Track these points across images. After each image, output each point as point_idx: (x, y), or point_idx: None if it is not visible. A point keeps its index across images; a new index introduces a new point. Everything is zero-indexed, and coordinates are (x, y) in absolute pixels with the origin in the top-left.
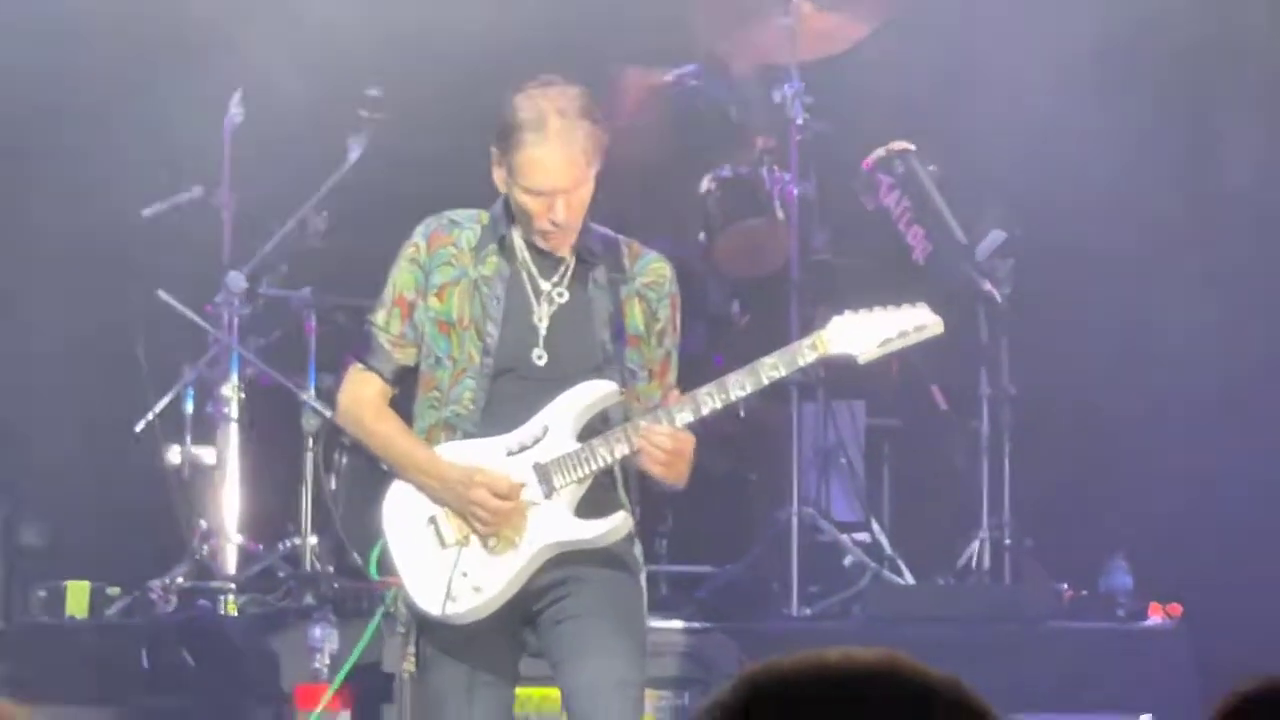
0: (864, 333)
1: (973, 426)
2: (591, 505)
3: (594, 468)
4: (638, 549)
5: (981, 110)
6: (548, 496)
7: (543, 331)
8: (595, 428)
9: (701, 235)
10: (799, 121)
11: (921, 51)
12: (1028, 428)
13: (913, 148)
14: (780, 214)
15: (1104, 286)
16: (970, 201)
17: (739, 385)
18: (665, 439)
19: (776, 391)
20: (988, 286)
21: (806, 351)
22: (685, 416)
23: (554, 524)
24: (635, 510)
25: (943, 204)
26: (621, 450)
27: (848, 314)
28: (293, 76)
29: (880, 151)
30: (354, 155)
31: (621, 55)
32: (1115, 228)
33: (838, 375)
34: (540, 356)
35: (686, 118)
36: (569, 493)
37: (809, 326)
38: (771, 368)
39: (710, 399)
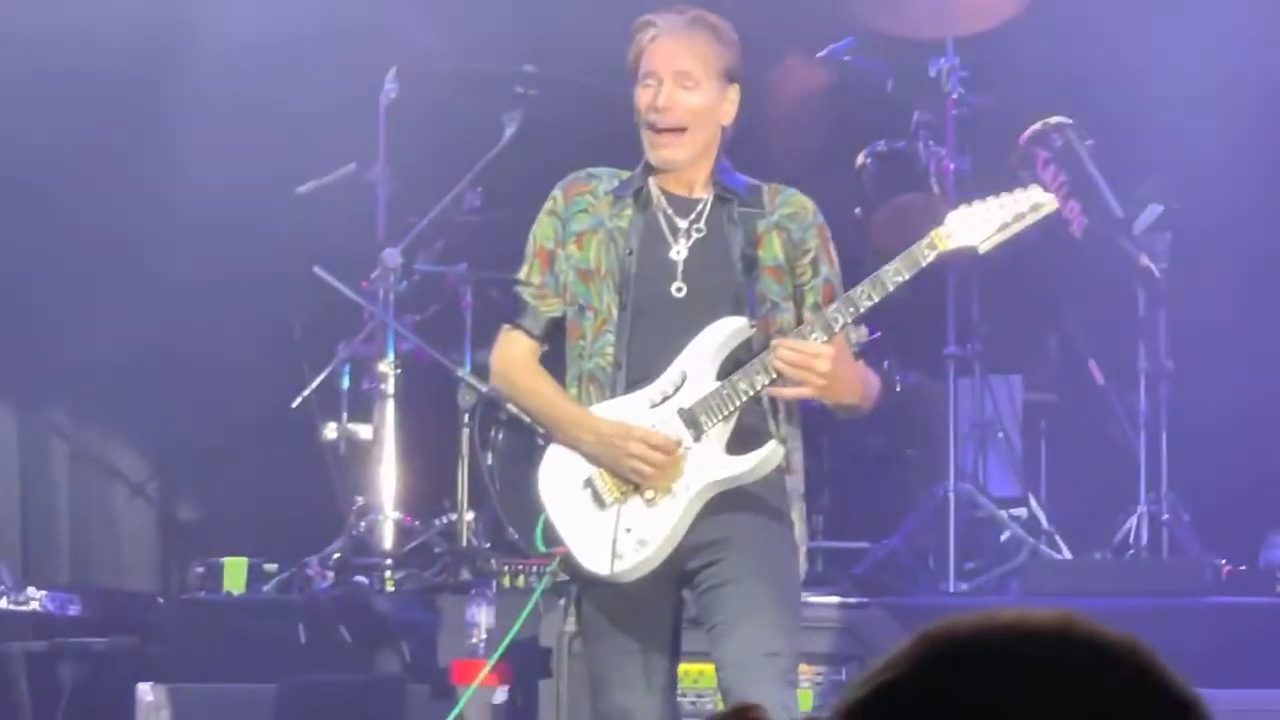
0: (980, 222)
1: (1130, 401)
2: (743, 440)
3: (737, 403)
4: (791, 484)
5: (1139, 82)
6: (697, 440)
7: (680, 265)
8: (737, 362)
9: (857, 210)
10: (955, 95)
11: (1078, 24)
12: (1185, 402)
13: (1070, 121)
14: (936, 188)
15: (1262, 259)
16: (1128, 175)
17: (865, 296)
18: (788, 351)
19: (933, 367)
20: (1145, 260)
21: (926, 251)
22: (818, 335)
23: (707, 465)
24: (790, 441)
25: (1100, 178)
26: (761, 381)
27: (961, 208)
28: (447, 52)
29: (1037, 125)
30: (509, 131)
31: (775, 32)
32: (1275, 200)
33: (994, 350)
34: (679, 289)
35: (841, 93)
36: (717, 432)
37: (965, 301)
38: (895, 273)
39: (839, 315)
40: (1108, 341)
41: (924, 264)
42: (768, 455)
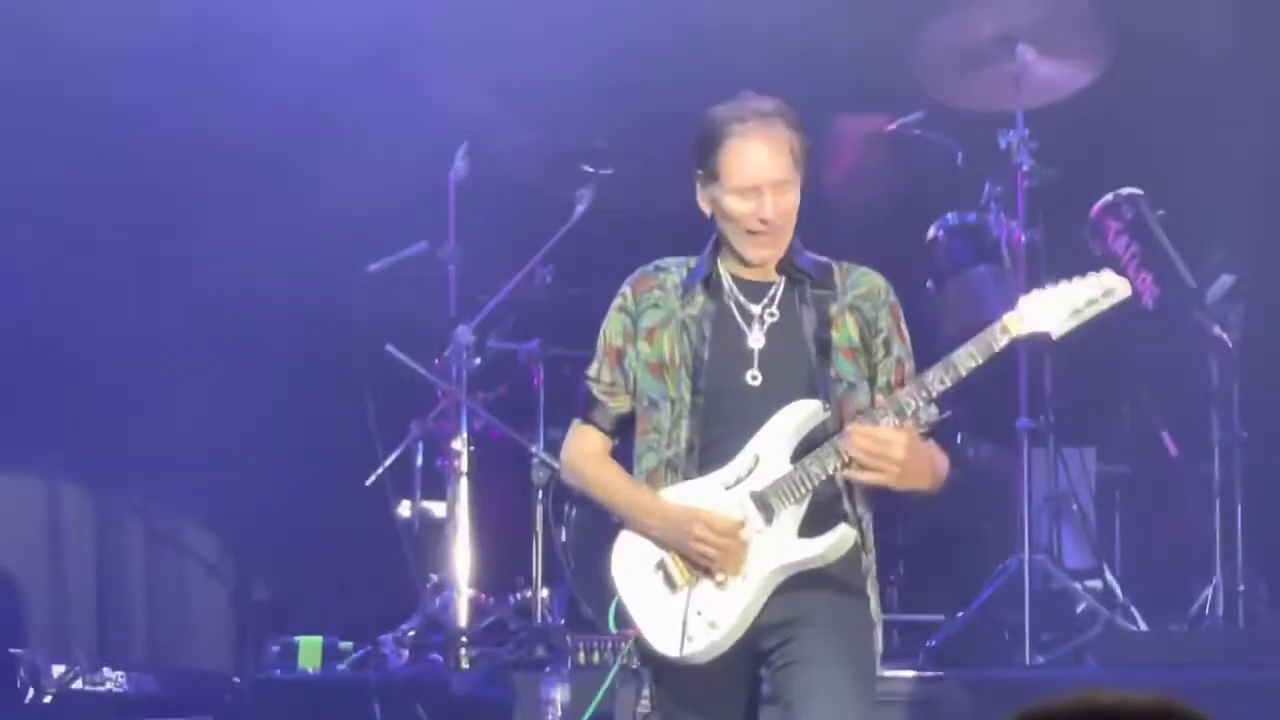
0: (1054, 307)
1: (1204, 472)
2: (816, 524)
3: (809, 486)
4: (865, 562)
5: (1209, 153)
6: (768, 523)
7: (756, 353)
8: (809, 447)
9: (929, 283)
10: (1025, 168)
11: (1146, 94)
12: (1260, 472)
13: (1140, 192)
14: (1008, 260)
15: None
16: (1199, 246)
17: (938, 380)
18: (864, 439)
19: (1006, 438)
20: (1218, 330)
21: (999, 336)
22: (890, 420)
23: (778, 548)
24: (863, 525)
25: (1171, 248)
26: (833, 464)
27: (1034, 292)
28: (517, 129)
29: (1108, 197)
30: (581, 208)
31: (847, 104)
32: None
33: (1068, 422)
34: (755, 378)
35: (912, 165)
36: (789, 515)
37: (1037, 373)
38: (968, 357)
39: (911, 399)
40: (1181, 412)
41: (997, 349)
42: (840, 539)
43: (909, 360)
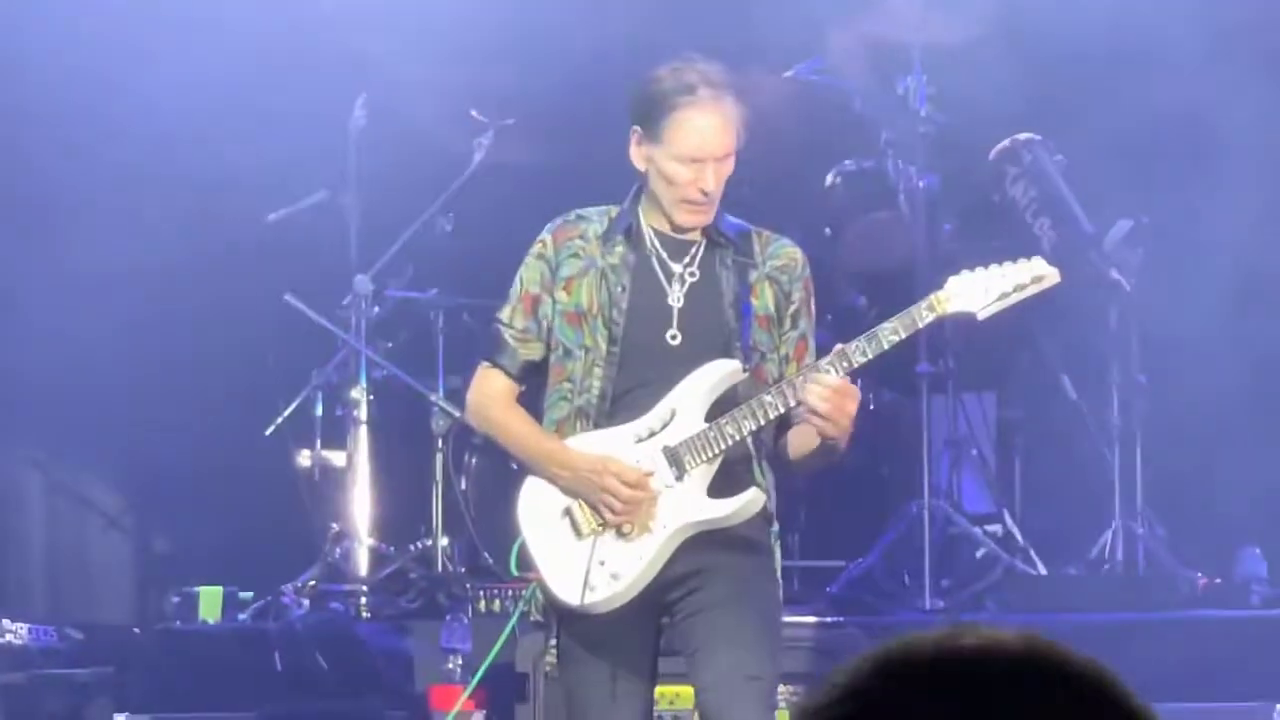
0: (981, 290)
1: (1103, 416)
2: (725, 484)
3: (723, 446)
4: (774, 527)
5: (1107, 96)
6: (679, 479)
7: (676, 311)
8: (724, 407)
9: (827, 229)
10: (923, 113)
11: (1045, 38)
12: (1159, 416)
13: (1039, 138)
14: (906, 207)
15: (1233, 272)
16: (1097, 190)
17: (860, 352)
18: (821, 387)
19: (906, 384)
20: (1116, 275)
21: (924, 312)
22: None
23: (686, 505)
24: (770, 489)
25: (1069, 193)
26: (749, 426)
27: (964, 273)
28: (416, 79)
29: (1006, 142)
30: (478, 156)
31: (743, 52)
32: (1244, 211)
33: (967, 367)
34: (674, 336)
35: (809, 112)
36: (700, 473)
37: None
38: (891, 332)
39: (832, 369)
40: (1080, 357)
41: (921, 325)
42: (749, 502)
43: (811, 338)
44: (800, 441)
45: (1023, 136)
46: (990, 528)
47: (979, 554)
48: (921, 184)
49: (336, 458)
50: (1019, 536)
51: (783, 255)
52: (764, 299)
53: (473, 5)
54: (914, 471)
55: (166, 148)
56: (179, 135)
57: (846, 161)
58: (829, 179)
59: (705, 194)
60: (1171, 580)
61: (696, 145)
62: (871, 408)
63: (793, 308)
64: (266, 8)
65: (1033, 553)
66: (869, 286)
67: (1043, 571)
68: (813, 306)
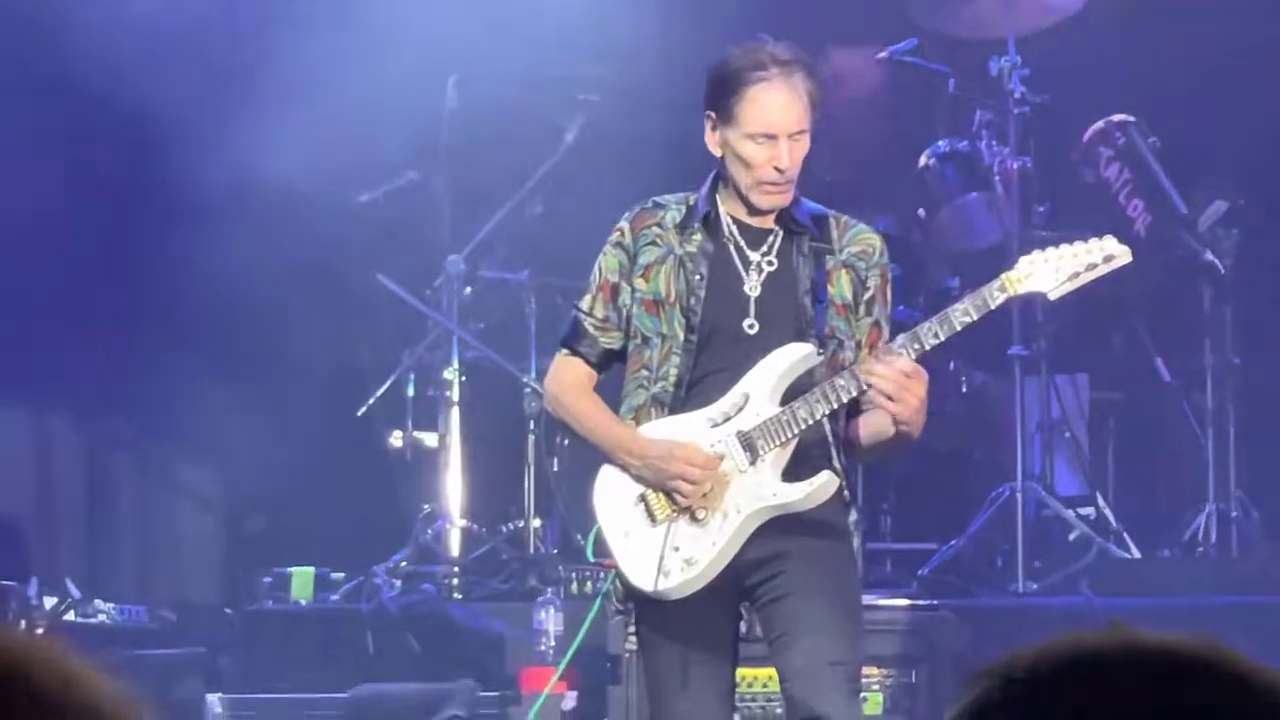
0: (1053, 269)
1: (1197, 399)
2: (801, 468)
3: (796, 430)
4: (854, 515)
5: (1203, 79)
6: (752, 463)
7: (753, 300)
8: (799, 392)
9: (921, 211)
10: (1017, 94)
11: (1140, 20)
12: (1253, 399)
13: (1132, 119)
14: (1000, 188)
15: None
16: (1193, 172)
17: (931, 333)
18: (887, 369)
19: (999, 366)
20: (1210, 257)
21: (996, 293)
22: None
23: (760, 489)
24: (847, 473)
25: (1163, 175)
26: (821, 410)
27: (1035, 253)
28: (507, 60)
29: (1099, 124)
30: (570, 137)
31: (837, 33)
32: None
33: (1061, 349)
34: (751, 325)
35: (903, 93)
36: (773, 457)
37: (1030, 300)
38: (963, 313)
39: (905, 350)
40: (1174, 339)
41: (993, 306)
42: (823, 485)
43: (887, 325)
44: (871, 428)
45: (1117, 118)
46: (1083, 510)
47: (1072, 537)
48: (1015, 165)
49: (428, 438)
50: (1112, 519)
51: (860, 241)
52: (840, 286)
53: None
54: (1007, 454)
55: (258, 129)
56: (269, 113)
57: (940, 142)
58: (923, 160)
59: (781, 172)
60: (1266, 563)
61: (769, 122)
62: (964, 390)
63: (868, 294)
64: None
65: (1126, 536)
66: (962, 268)
67: (1136, 555)
68: (889, 294)
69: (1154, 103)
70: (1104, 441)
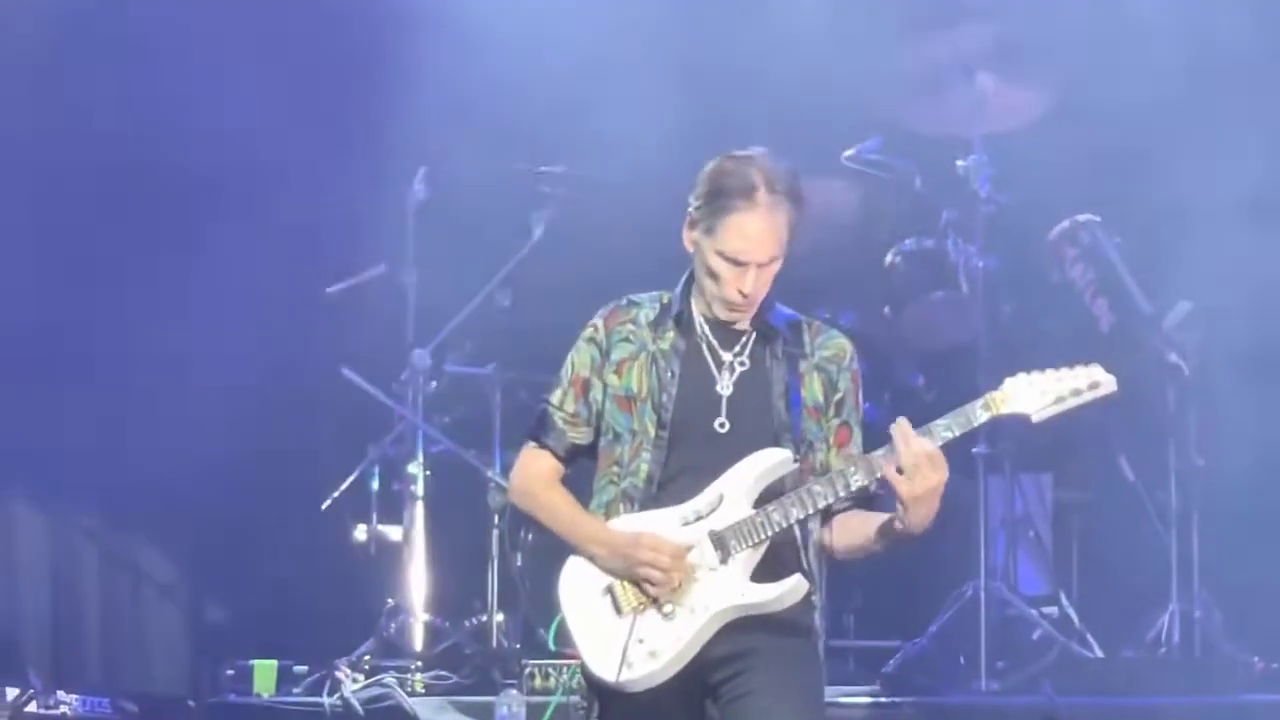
0: (1037, 392)
1: (1161, 499)
2: (770, 571)
3: (769, 533)
4: (818, 617)
5: (1166, 180)
6: (723, 562)
7: (725, 400)
8: (771, 496)
9: (886, 309)
10: (983, 193)
11: (1105, 124)
12: (1216, 499)
13: (1098, 219)
14: (965, 286)
15: None
16: (1156, 273)
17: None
18: (922, 449)
19: (963, 464)
20: (1174, 357)
21: (980, 412)
22: (859, 479)
23: (729, 589)
24: (815, 576)
25: (1127, 275)
26: (796, 514)
27: (1021, 375)
28: (475, 153)
29: (1065, 223)
30: (538, 231)
31: (805, 132)
32: None
33: (1024, 448)
34: (723, 424)
35: (870, 191)
36: (744, 558)
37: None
38: (945, 429)
39: (885, 462)
40: (1138, 439)
41: (975, 425)
42: (793, 589)
43: (857, 429)
44: (846, 530)
45: (1082, 218)
46: (1046, 609)
47: (1035, 635)
48: (981, 264)
49: (393, 532)
50: (1075, 618)
51: (832, 346)
52: (812, 389)
53: (530, 77)
54: (970, 552)
55: (225, 220)
56: (235, 202)
57: (907, 241)
58: (889, 258)
59: (745, 296)
60: (1228, 664)
61: (742, 249)
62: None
63: (839, 395)
64: (329, 80)
65: (1089, 635)
66: (927, 366)
67: (1099, 654)
68: (859, 398)
69: (1119, 203)
70: (1068, 541)
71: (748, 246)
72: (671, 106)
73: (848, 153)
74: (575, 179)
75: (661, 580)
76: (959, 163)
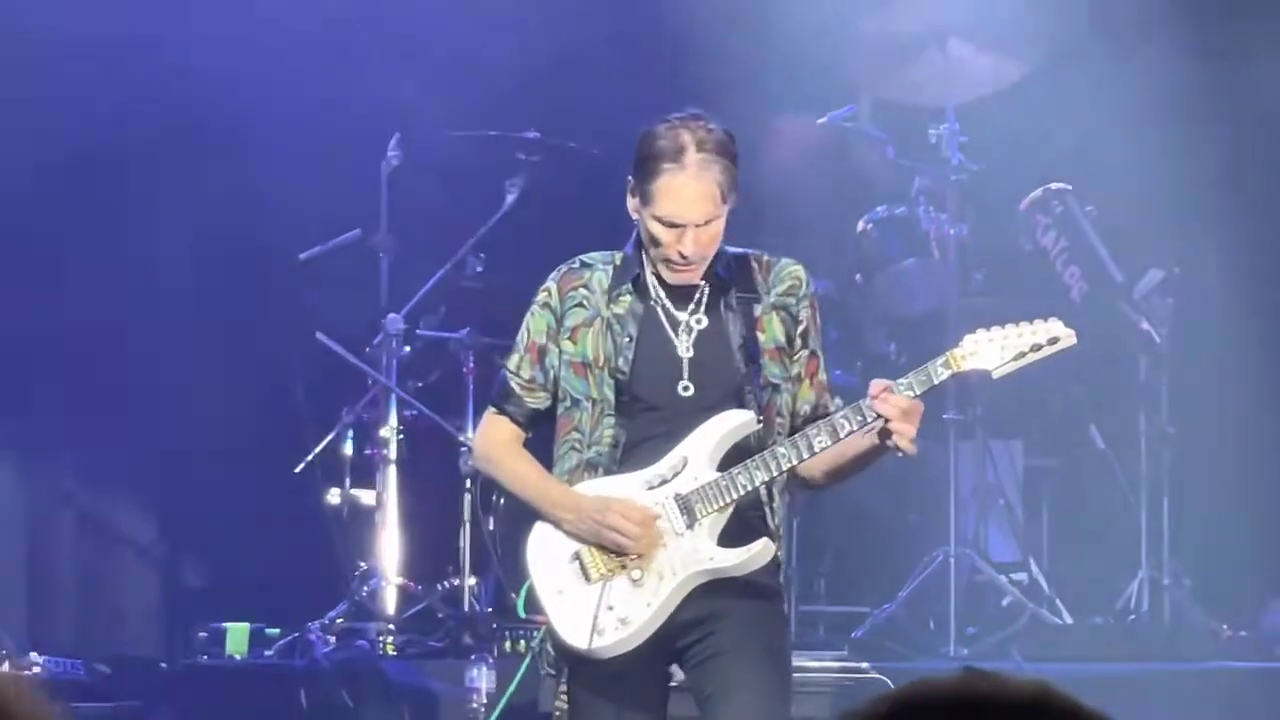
0: (998, 348)
1: (1131, 466)
2: (736, 533)
3: (734, 496)
4: (784, 578)
5: (1139, 149)
6: (689, 527)
7: (686, 363)
8: (737, 456)
9: (858, 276)
10: (955, 162)
11: (1078, 92)
12: (1187, 467)
13: (1069, 187)
14: (937, 254)
15: (1263, 324)
16: (1128, 241)
17: (872, 408)
18: (900, 401)
19: (934, 431)
20: (1145, 325)
21: (940, 369)
22: (823, 441)
23: (696, 553)
24: (782, 538)
25: (1099, 243)
26: (761, 477)
27: (980, 331)
28: (450, 119)
29: (1037, 192)
30: (511, 197)
31: (779, 99)
32: (1277, 263)
33: (996, 414)
34: (686, 388)
35: (842, 159)
36: (710, 522)
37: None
38: (906, 387)
39: (846, 422)
40: (1109, 407)
41: (936, 382)
42: (760, 552)
43: (821, 354)
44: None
45: (1054, 186)
46: (1016, 576)
47: (1005, 602)
48: (952, 232)
49: (366, 496)
50: (1045, 585)
51: (786, 278)
52: (771, 330)
53: (508, 45)
54: (940, 519)
55: (202, 184)
56: (210, 169)
57: (879, 208)
58: (861, 225)
59: (685, 258)
60: (1197, 631)
61: (675, 212)
62: (900, 454)
63: (801, 327)
64: (303, 46)
65: (1058, 602)
66: (899, 333)
67: (1068, 621)
68: (819, 322)
69: (1091, 171)
70: (1038, 508)
71: (680, 209)
72: (645, 74)
73: (821, 120)
74: (549, 146)
75: (630, 545)
76: (931, 131)
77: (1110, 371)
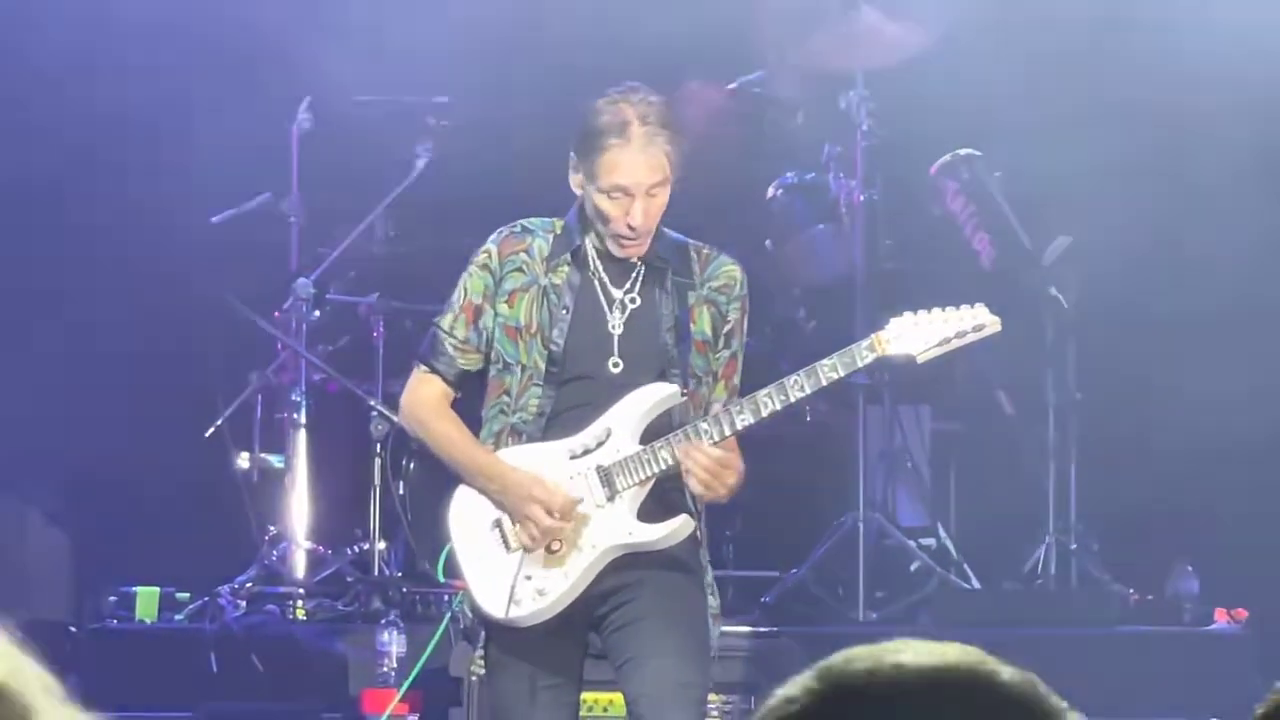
0: (923, 333)
1: (1039, 432)
2: (656, 508)
3: (655, 470)
4: (704, 553)
5: (1047, 114)
6: (610, 499)
7: (616, 339)
8: (659, 430)
9: (768, 242)
10: (864, 128)
11: (986, 57)
12: (1094, 433)
13: (978, 153)
14: (846, 220)
15: (1170, 291)
16: (1036, 207)
17: (798, 386)
18: (704, 458)
19: (842, 396)
20: (1054, 291)
21: (864, 352)
22: (745, 419)
23: (616, 527)
24: (700, 513)
25: (1009, 210)
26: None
27: (906, 315)
28: (361, 83)
29: (946, 158)
30: (421, 162)
31: (688, 65)
32: (1183, 231)
33: (903, 379)
34: (616, 364)
35: (752, 125)
36: (631, 495)
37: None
38: (830, 369)
39: (770, 401)
40: (1017, 372)
41: (860, 365)
42: (679, 528)
43: (741, 356)
44: None
45: (963, 152)
46: (925, 541)
47: (913, 567)
48: (862, 198)
49: (275, 460)
50: (953, 550)
51: (722, 275)
52: (701, 323)
53: (421, 10)
54: (849, 483)
55: (110, 148)
56: (120, 132)
57: (788, 174)
58: (770, 191)
59: (633, 229)
60: (1104, 596)
61: (623, 182)
62: (808, 419)
63: (728, 327)
64: (212, 10)
65: (966, 566)
66: (808, 299)
67: (976, 585)
68: (745, 325)
69: (999, 137)
70: (945, 473)
71: (629, 178)
72: (555, 39)
73: (731, 85)
74: (459, 111)
75: (544, 532)
76: (841, 97)
77: (1018, 337)
